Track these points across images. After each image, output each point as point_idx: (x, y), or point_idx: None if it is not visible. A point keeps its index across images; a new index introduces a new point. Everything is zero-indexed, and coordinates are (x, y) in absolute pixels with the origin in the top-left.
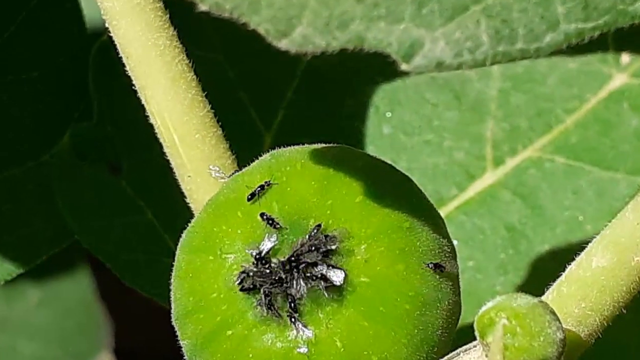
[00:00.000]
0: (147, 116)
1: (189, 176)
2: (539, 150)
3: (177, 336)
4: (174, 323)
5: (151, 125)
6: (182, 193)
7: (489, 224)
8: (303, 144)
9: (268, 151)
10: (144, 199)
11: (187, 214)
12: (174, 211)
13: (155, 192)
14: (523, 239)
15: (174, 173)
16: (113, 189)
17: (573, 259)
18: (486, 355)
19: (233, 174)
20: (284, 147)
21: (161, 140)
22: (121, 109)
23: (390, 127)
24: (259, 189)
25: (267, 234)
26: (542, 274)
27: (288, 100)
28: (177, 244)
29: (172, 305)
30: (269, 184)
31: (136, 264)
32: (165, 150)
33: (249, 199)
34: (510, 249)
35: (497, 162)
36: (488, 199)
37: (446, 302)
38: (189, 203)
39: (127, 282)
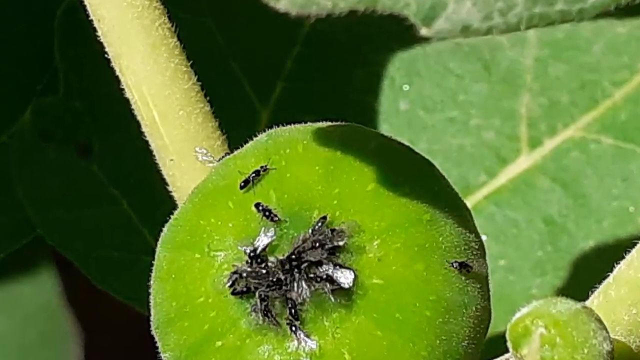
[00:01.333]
0: (123, 90)
1: (172, 160)
2: (583, 129)
3: (157, 347)
4: (153, 332)
5: (127, 101)
6: (164, 180)
7: (523, 216)
8: (305, 122)
9: (264, 130)
10: (119, 186)
11: (169, 205)
12: (154, 201)
13: (131, 178)
14: (564, 233)
15: (154, 156)
16: (82, 175)
17: (622, 257)
18: None
19: (223, 157)
20: (283, 125)
21: (139, 118)
22: (92, 81)
23: (408, 103)
24: (254, 175)
25: (263, 228)
26: (586, 274)
27: (288, 71)
28: (157, 240)
29: (152, 312)
30: (265, 169)
31: (109, 263)
32: (144, 129)
33: (242, 187)
34: (549, 245)
35: (534, 143)
36: (523, 187)
37: (473, 308)
38: (171, 192)
39: (99, 284)
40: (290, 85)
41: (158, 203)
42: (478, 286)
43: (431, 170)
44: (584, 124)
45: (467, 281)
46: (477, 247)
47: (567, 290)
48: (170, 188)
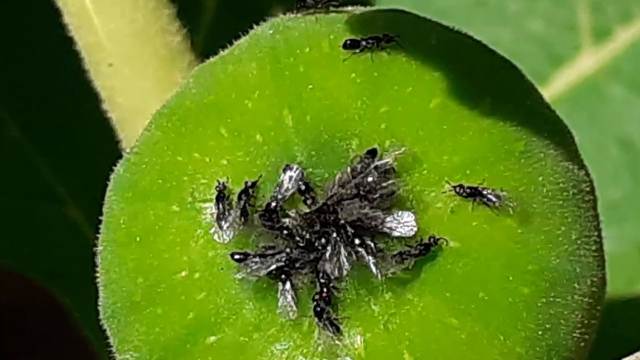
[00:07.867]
0: None
1: (111, 65)
2: None
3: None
4: (103, 322)
5: None
6: (97, 94)
7: (589, 139)
8: (272, 7)
9: (213, 22)
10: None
11: (96, 128)
12: (67, 123)
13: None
14: None
15: (80, 53)
16: None
17: None
18: None
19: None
20: (239, 14)
21: (59, 4)
22: None
23: None
24: (371, 41)
25: (277, 166)
26: None
27: None
28: (61, 181)
29: (101, 292)
30: (390, 39)
31: None
32: (68, 20)
33: (237, 104)
34: (628, 178)
35: (600, 34)
36: (587, 97)
37: (588, 281)
38: (107, 112)
39: None
40: None
41: (74, 125)
42: (592, 248)
43: (519, 75)
44: None
45: (579, 242)
46: (588, 189)
47: None
48: (105, 106)
